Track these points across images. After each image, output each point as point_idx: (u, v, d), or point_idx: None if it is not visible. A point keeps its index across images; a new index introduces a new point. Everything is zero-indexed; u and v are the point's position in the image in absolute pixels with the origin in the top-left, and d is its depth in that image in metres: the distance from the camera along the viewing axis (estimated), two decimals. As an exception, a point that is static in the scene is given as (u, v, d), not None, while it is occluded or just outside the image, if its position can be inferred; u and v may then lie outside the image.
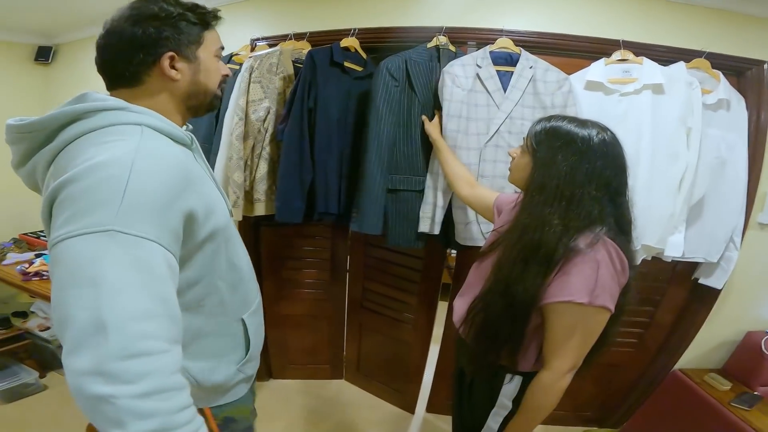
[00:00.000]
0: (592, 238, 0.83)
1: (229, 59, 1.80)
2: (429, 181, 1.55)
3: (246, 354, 0.88)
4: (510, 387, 0.98)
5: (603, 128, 0.89)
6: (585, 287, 0.81)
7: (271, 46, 1.73)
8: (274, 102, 1.66)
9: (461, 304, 1.07)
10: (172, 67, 0.72)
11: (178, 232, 0.62)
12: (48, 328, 2.09)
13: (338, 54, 1.60)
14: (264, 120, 1.65)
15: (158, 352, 0.52)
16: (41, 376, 2.07)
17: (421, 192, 1.58)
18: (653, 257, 1.54)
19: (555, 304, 0.85)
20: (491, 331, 0.94)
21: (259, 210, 1.71)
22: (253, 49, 1.79)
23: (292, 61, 1.70)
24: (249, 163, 1.67)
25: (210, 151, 1.71)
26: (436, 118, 1.50)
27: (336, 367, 2.34)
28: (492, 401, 1.01)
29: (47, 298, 1.71)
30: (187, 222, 0.64)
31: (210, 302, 0.77)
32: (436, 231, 1.58)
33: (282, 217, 1.63)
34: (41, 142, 0.63)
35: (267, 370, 2.30)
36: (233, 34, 1.86)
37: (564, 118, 0.92)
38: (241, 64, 1.64)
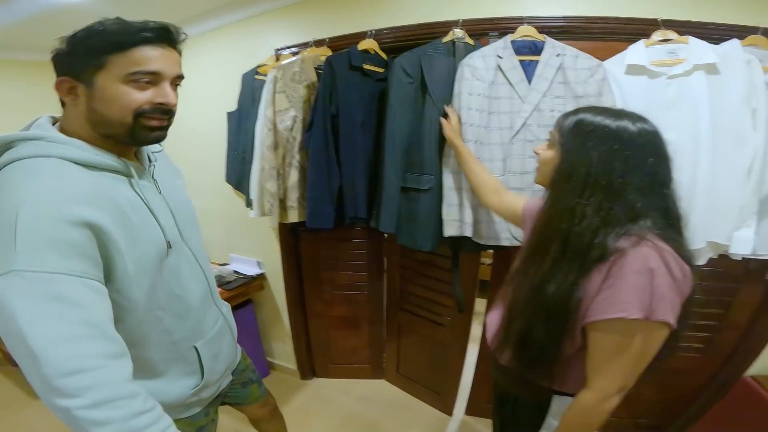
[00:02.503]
0: (637, 238, 0.73)
1: (255, 71, 1.87)
2: (450, 182, 1.46)
3: (200, 381, 0.89)
4: (559, 407, 0.89)
5: (640, 117, 0.80)
6: (638, 300, 0.71)
7: (294, 54, 1.76)
8: (300, 110, 1.70)
9: (494, 318, 1.01)
10: (70, 93, 0.69)
11: (90, 253, 0.62)
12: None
13: (356, 57, 1.60)
14: (291, 129, 1.69)
15: (94, 368, 0.58)
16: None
17: (428, 191, 1.52)
18: (721, 254, 1.37)
19: (602, 322, 0.75)
20: (527, 342, 0.85)
21: (293, 217, 1.77)
22: (278, 59, 1.84)
23: (315, 68, 1.72)
24: (281, 171, 1.73)
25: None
26: (455, 120, 1.40)
27: (377, 367, 2.37)
28: (539, 422, 0.93)
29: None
30: (97, 236, 0.63)
31: (154, 332, 0.79)
32: (468, 233, 1.48)
33: (313, 224, 1.67)
34: None
35: (310, 369, 2.39)
36: (260, 47, 1.93)
37: (593, 108, 0.84)
38: (266, 75, 1.69)
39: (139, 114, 0.70)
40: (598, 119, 0.79)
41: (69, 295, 0.58)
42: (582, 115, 0.82)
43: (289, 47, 1.85)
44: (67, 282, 0.58)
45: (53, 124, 0.73)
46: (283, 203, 1.76)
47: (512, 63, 1.39)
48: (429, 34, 1.55)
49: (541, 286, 0.81)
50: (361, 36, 1.64)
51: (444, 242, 1.57)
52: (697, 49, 1.27)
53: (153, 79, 0.70)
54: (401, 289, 2.08)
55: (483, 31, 1.51)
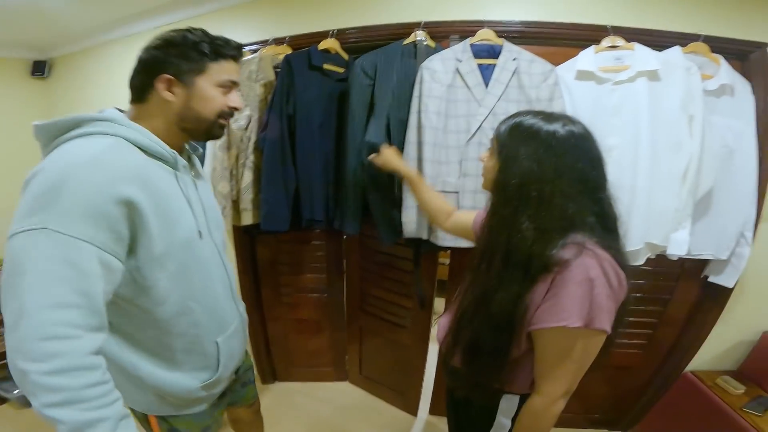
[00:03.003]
0: (578, 247, 0.74)
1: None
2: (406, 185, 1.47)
3: (214, 375, 0.92)
4: (508, 405, 0.91)
5: (571, 120, 0.80)
6: (579, 310, 0.73)
7: (253, 52, 1.71)
8: (256, 110, 1.65)
9: (445, 322, 1.02)
10: (168, 89, 0.78)
11: (119, 229, 0.67)
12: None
13: (317, 57, 1.57)
14: (246, 128, 1.64)
15: (70, 337, 0.60)
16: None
17: (388, 188, 1.51)
18: (658, 255, 1.44)
19: (546, 330, 0.77)
20: (476, 350, 0.87)
21: (246, 219, 1.71)
22: (236, 57, 1.78)
23: (273, 66, 1.68)
24: (234, 172, 1.67)
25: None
26: (390, 151, 1.35)
27: (339, 370, 2.34)
28: (490, 421, 0.95)
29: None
30: (131, 214, 0.68)
31: (183, 322, 0.82)
32: (425, 235, 1.50)
33: (267, 226, 1.62)
34: (50, 140, 0.72)
35: (271, 373, 2.32)
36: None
37: (529, 112, 0.83)
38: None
39: (219, 114, 0.84)
40: (531, 123, 0.80)
41: (81, 262, 0.62)
42: (518, 119, 0.82)
43: (247, 45, 1.80)
44: (85, 250, 0.63)
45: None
46: (236, 205, 1.70)
47: (470, 66, 1.41)
48: (392, 35, 1.55)
49: (487, 296, 0.81)
50: (323, 35, 1.62)
51: (405, 242, 1.57)
52: (641, 55, 1.33)
53: (232, 86, 0.85)
54: (362, 291, 2.07)
55: (444, 33, 1.53)
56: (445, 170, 1.44)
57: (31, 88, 2.46)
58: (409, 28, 1.51)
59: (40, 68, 2.40)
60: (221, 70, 0.81)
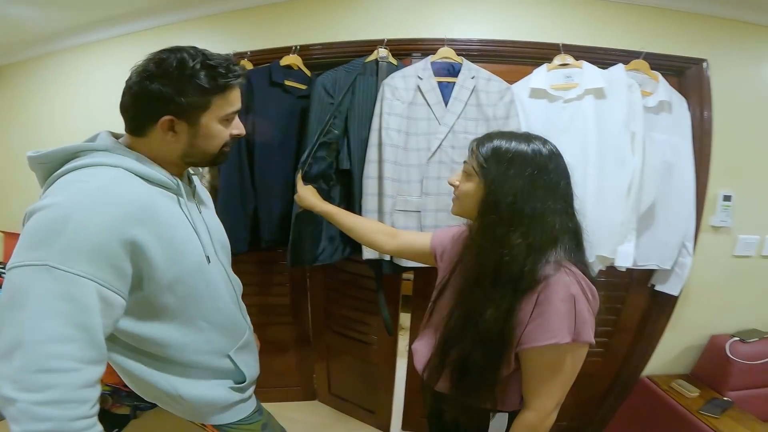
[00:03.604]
0: (557, 266, 0.77)
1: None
2: (368, 205, 1.45)
3: (240, 382, 0.94)
4: (498, 424, 0.91)
5: (545, 140, 0.85)
6: (566, 326, 0.76)
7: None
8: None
9: (423, 347, 1.01)
10: (171, 128, 0.74)
11: (122, 266, 0.67)
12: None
13: (278, 73, 1.56)
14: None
15: (67, 370, 0.60)
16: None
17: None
18: (608, 266, 1.50)
19: (536, 349, 0.79)
20: (466, 370, 0.87)
21: (205, 239, 1.65)
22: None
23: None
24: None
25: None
26: (304, 188, 1.32)
27: (308, 389, 2.28)
28: None
29: None
30: (134, 254, 0.68)
31: (196, 340, 0.84)
32: (387, 257, 1.48)
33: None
34: (48, 172, 0.71)
35: (235, 397, 2.23)
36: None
37: (503, 134, 0.86)
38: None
39: (224, 145, 0.82)
40: (513, 145, 0.82)
41: (81, 298, 0.62)
42: (496, 142, 0.83)
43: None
44: (85, 286, 0.62)
45: (117, 139, 0.79)
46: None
47: (431, 84, 1.44)
48: (355, 52, 1.56)
49: (477, 314, 0.83)
50: (285, 51, 1.61)
51: (367, 264, 1.54)
52: (588, 73, 1.40)
53: (235, 115, 0.81)
54: (326, 310, 2.04)
55: (407, 51, 1.56)
56: (406, 189, 1.45)
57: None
58: (372, 45, 1.53)
59: (-18, 77, 2.28)
60: (225, 103, 0.77)
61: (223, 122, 0.79)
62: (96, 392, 0.65)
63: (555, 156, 0.83)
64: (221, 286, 0.89)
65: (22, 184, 2.33)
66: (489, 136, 0.87)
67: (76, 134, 0.78)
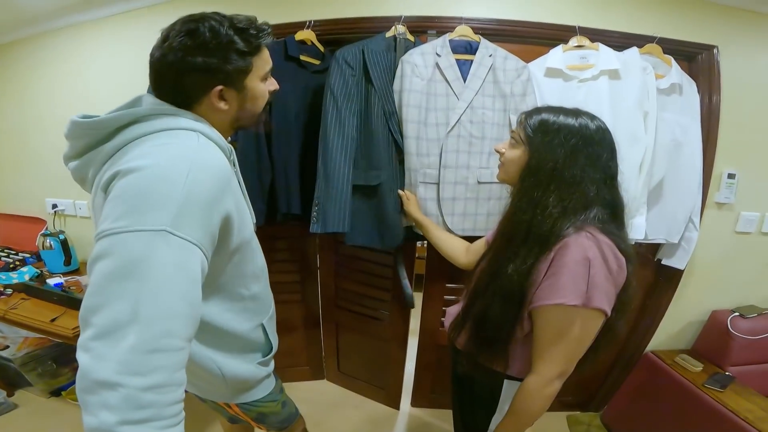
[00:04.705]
0: (576, 229, 0.79)
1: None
2: (409, 178, 1.51)
3: (266, 354, 0.97)
4: (510, 390, 0.94)
5: (593, 116, 0.89)
6: (576, 288, 0.77)
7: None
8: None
9: (454, 309, 1.05)
10: (221, 98, 0.74)
11: (215, 236, 0.66)
12: (7, 347, 1.98)
13: (293, 48, 1.55)
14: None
15: (174, 350, 0.55)
16: (9, 395, 1.99)
17: (376, 187, 1.51)
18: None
19: (544, 308, 0.81)
20: (484, 322, 0.90)
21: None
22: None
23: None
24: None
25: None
26: (412, 196, 1.49)
27: (316, 368, 2.30)
28: (493, 407, 0.97)
29: (3, 319, 1.63)
30: (224, 225, 0.68)
31: (236, 308, 0.84)
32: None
33: (243, 220, 1.57)
34: (100, 139, 0.68)
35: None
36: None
37: (552, 108, 0.91)
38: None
39: (267, 102, 0.83)
40: (561, 118, 0.86)
41: (192, 267, 0.59)
42: (545, 115, 0.88)
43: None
44: (195, 254, 0.60)
45: None
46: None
47: (449, 61, 1.46)
48: (370, 28, 1.56)
49: (501, 268, 0.86)
50: (299, 26, 1.60)
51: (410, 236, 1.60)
52: (604, 55, 1.44)
53: (268, 75, 0.82)
54: (336, 286, 2.05)
55: (423, 28, 1.57)
56: (426, 162, 1.48)
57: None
58: (388, 21, 1.53)
59: (-22, 55, 2.19)
60: (263, 62, 0.77)
61: (263, 81, 0.80)
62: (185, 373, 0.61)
63: (602, 131, 0.87)
64: (258, 252, 0.90)
65: (14, 165, 2.28)
66: (538, 110, 0.92)
67: (76, 113, 0.73)
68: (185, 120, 0.70)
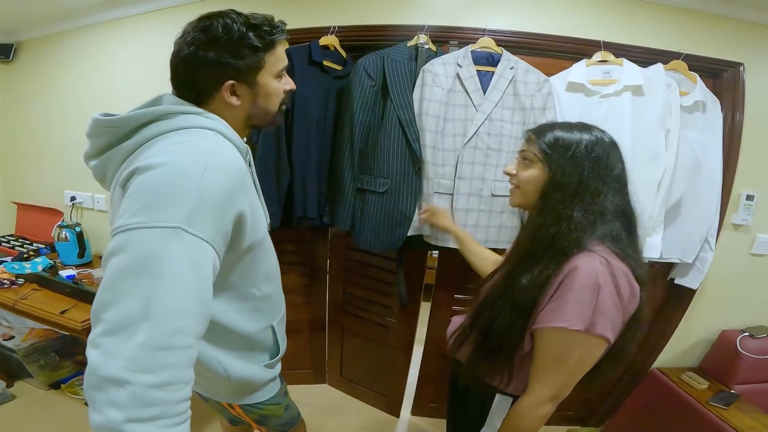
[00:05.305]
0: (596, 245, 0.79)
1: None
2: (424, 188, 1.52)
3: (273, 357, 0.96)
4: (500, 406, 0.93)
5: (602, 130, 0.89)
6: (581, 313, 0.75)
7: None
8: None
9: (459, 318, 1.05)
10: (233, 93, 0.75)
11: (228, 234, 0.66)
12: (12, 338, 1.99)
13: (317, 53, 1.56)
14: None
15: (184, 347, 0.55)
16: (9, 386, 1.99)
17: (383, 194, 1.52)
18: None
19: (546, 329, 0.80)
20: (488, 335, 0.89)
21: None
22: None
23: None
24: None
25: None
26: (439, 210, 1.47)
27: (318, 372, 2.30)
28: (482, 418, 0.97)
29: (8, 308, 1.63)
30: (237, 224, 0.68)
31: (246, 307, 0.84)
32: (427, 231, 1.56)
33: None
34: (120, 137, 0.69)
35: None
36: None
37: (560, 124, 0.90)
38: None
39: (281, 102, 0.83)
40: (575, 133, 0.86)
41: (204, 265, 0.59)
42: (558, 132, 0.87)
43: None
44: (208, 253, 0.60)
45: None
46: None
47: (470, 72, 1.46)
48: (392, 36, 1.57)
49: (515, 280, 0.85)
50: (323, 31, 1.61)
51: (417, 244, 1.60)
52: (628, 71, 1.44)
53: (283, 72, 0.82)
54: (344, 291, 2.05)
55: (445, 38, 1.57)
56: (440, 172, 1.48)
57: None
58: (411, 30, 1.54)
59: (5, 51, 2.22)
60: (276, 59, 0.78)
61: (277, 78, 0.81)
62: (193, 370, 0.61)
63: (614, 144, 0.87)
64: (271, 253, 0.90)
65: (36, 157, 2.30)
66: (548, 126, 0.91)
67: (100, 110, 0.74)
68: (203, 119, 0.71)
